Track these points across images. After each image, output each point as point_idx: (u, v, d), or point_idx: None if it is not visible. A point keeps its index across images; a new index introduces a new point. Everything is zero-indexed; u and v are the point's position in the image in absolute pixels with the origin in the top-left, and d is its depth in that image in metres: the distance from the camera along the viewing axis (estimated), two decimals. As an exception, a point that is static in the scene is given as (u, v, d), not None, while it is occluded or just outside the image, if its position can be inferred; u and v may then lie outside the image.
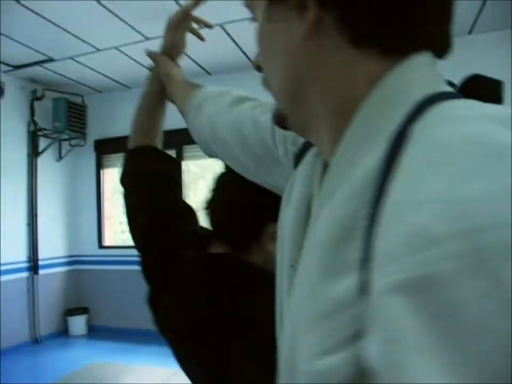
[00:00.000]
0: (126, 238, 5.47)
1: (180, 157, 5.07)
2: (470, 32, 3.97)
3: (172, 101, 0.97)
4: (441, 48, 0.41)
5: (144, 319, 5.08)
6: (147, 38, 3.96)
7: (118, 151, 5.32)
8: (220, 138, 0.77)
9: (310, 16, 0.39)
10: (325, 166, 0.45)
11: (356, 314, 0.31)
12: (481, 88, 0.39)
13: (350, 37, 0.38)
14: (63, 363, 4.08)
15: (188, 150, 5.07)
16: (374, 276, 0.28)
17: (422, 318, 0.25)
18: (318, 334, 0.34)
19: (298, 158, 0.57)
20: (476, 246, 0.23)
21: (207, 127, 0.80)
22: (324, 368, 0.33)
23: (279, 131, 0.63)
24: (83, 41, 3.91)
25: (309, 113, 0.44)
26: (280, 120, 0.49)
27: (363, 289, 0.30)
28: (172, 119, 5.00)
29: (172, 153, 4.99)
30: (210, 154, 0.85)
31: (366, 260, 0.30)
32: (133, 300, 5.02)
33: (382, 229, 0.29)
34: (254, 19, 0.50)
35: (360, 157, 0.37)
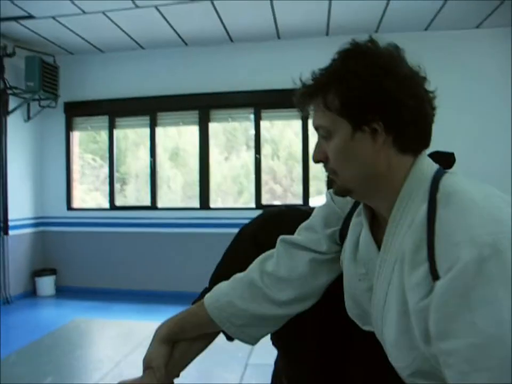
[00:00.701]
0: (93, 200, 5.53)
1: (154, 124, 5.19)
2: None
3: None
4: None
5: (112, 278, 5.29)
6: (137, 6, 4.02)
7: (88, 115, 5.33)
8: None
9: (380, 139, 0.77)
10: (371, 219, 0.86)
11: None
12: (441, 159, 0.82)
13: (399, 149, 0.78)
14: (40, 322, 4.18)
15: (161, 116, 5.20)
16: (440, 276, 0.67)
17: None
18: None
19: (342, 231, 0.95)
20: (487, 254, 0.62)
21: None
22: None
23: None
24: (71, 1, 3.88)
25: (371, 187, 0.81)
26: (342, 194, 0.86)
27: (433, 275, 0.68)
28: (145, 86, 5.21)
29: (146, 119, 5.12)
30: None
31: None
32: (100, 261, 5.17)
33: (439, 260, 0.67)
34: (324, 137, 0.82)
35: (405, 219, 0.76)
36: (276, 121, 5.31)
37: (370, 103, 0.76)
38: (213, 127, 5.21)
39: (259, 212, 1.27)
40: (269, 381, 1.32)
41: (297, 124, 5.14)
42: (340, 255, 0.96)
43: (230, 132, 5.54)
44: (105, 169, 5.37)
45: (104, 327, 3.99)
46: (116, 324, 4.04)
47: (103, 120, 5.30)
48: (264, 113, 5.04)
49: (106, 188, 5.31)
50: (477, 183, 0.73)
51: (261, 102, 4.95)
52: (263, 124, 5.16)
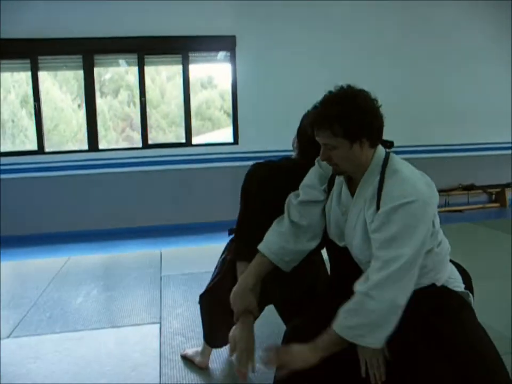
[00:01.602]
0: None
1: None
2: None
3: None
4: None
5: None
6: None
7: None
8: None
9: (364, 146, 1.38)
10: (348, 182, 1.49)
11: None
12: (386, 144, 1.49)
13: (370, 147, 1.40)
14: None
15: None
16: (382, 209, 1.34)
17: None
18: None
19: (331, 180, 1.58)
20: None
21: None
22: None
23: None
24: None
25: (356, 169, 1.42)
26: (339, 174, 1.46)
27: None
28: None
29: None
30: None
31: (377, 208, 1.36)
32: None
33: (382, 203, 1.35)
34: (329, 149, 1.39)
35: (370, 182, 1.40)
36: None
37: (361, 130, 1.36)
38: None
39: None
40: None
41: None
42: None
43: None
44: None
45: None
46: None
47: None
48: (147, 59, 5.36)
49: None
50: (406, 163, 1.42)
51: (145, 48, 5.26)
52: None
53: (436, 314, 1.39)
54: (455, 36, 6.14)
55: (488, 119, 6.37)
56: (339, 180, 1.54)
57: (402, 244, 1.28)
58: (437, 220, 1.43)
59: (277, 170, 1.82)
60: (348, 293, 1.36)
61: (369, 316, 1.27)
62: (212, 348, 2.22)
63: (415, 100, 6.06)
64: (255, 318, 1.60)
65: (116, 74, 5.85)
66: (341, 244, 1.54)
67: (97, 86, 5.47)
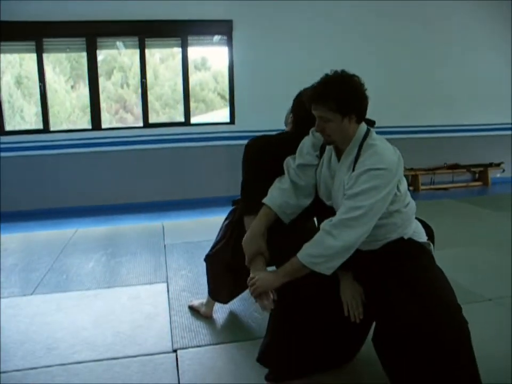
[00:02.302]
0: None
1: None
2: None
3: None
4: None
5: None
6: None
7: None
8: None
9: (352, 121, 1.67)
10: (336, 151, 1.78)
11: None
12: (369, 122, 1.79)
13: (357, 122, 1.70)
14: None
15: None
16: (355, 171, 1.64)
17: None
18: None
19: (322, 148, 1.87)
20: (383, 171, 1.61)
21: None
22: None
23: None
24: None
25: (344, 140, 1.71)
26: (330, 143, 1.75)
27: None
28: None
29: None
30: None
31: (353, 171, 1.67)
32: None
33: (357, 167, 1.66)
34: (324, 121, 1.66)
35: (351, 152, 1.69)
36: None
37: (351, 107, 1.63)
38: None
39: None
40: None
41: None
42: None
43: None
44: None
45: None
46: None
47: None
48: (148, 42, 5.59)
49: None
50: (381, 139, 1.69)
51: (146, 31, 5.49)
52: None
53: (401, 259, 1.71)
54: (443, 21, 6.40)
55: (472, 102, 6.68)
56: (329, 147, 1.82)
57: (364, 199, 1.59)
58: (404, 186, 1.73)
59: (273, 140, 2.10)
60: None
61: (326, 249, 1.60)
62: (216, 302, 2.54)
63: (404, 83, 6.34)
64: (266, 260, 1.87)
65: (109, 55, 6.04)
66: (329, 203, 1.83)
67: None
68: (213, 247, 2.47)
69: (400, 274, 1.67)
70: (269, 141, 2.10)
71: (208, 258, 2.49)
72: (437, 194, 6.35)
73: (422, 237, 1.82)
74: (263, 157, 2.02)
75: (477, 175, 6.99)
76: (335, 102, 1.62)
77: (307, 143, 1.89)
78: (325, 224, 1.63)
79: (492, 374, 1.74)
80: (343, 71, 1.69)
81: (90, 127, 5.68)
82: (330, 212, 1.80)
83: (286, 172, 1.90)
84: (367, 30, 6.08)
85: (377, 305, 1.71)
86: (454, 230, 4.13)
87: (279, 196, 1.85)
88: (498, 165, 6.88)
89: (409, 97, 6.40)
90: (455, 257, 3.36)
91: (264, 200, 1.87)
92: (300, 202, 1.87)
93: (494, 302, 2.61)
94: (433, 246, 1.85)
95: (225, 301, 2.53)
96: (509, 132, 6.94)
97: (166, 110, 6.27)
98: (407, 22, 6.24)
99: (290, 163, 1.90)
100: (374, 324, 1.80)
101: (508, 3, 6.43)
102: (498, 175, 6.95)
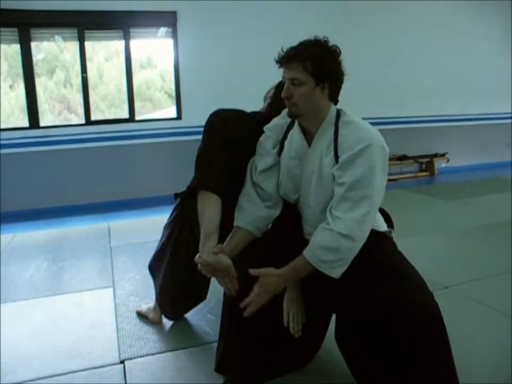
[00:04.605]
0: None
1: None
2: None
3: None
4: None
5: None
6: None
7: None
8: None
9: (325, 92, 1.54)
10: (304, 134, 1.63)
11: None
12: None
13: (330, 98, 1.57)
14: None
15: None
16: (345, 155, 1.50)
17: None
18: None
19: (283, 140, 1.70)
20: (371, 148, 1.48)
21: None
22: None
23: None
24: None
25: (312, 116, 1.57)
26: (296, 117, 1.59)
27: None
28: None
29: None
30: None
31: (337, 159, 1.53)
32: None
33: (340, 151, 1.52)
34: (295, 85, 1.51)
35: (326, 133, 1.56)
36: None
37: (328, 73, 1.50)
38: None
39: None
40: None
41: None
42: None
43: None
44: None
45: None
46: None
47: None
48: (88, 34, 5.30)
49: None
50: (357, 117, 1.55)
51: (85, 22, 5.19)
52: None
53: (364, 251, 1.61)
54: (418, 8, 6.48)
55: (418, 95, 6.81)
56: (294, 135, 1.66)
57: (367, 184, 1.46)
58: None
59: (241, 114, 1.90)
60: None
61: (346, 253, 1.48)
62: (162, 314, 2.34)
63: (351, 75, 6.34)
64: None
65: (50, 54, 5.70)
66: (294, 197, 1.68)
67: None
68: (157, 254, 2.27)
69: (361, 261, 1.58)
70: (237, 113, 1.90)
71: (152, 267, 2.32)
72: (387, 185, 6.32)
73: (383, 225, 1.74)
74: (228, 127, 1.79)
75: (424, 165, 7.14)
76: (311, 62, 1.48)
77: (264, 142, 1.72)
78: (337, 226, 1.47)
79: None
80: (324, 39, 1.57)
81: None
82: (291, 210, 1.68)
83: (249, 180, 1.72)
84: (316, 21, 6.04)
85: (340, 300, 1.61)
86: (407, 220, 4.14)
87: (249, 209, 1.68)
88: (443, 155, 7.07)
89: (357, 89, 6.41)
90: (410, 246, 3.31)
91: (235, 223, 1.69)
92: (272, 213, 1.71)
93: (451, 289, 2.60)
94: (394, 230, 1.78)
95: (171, 317, 2.35)
96: (453, 123, 7.14)
97: (111, 109, 5.99)
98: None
99: (252, 172, 1.73)
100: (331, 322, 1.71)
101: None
102: (443, 165, 7.14)
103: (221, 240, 1.66)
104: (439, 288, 2.58)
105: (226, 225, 1.70)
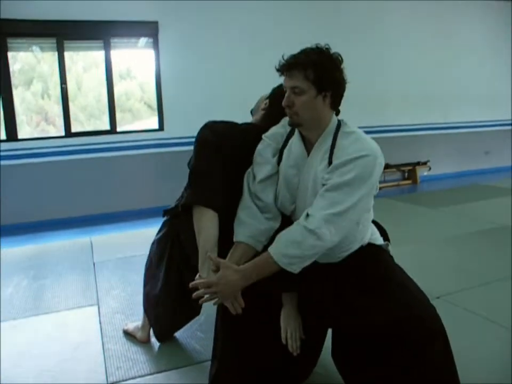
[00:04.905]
0: None
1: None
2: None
3: None
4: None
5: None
6: None
7: None
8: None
9: (326, 101, 1.51)
10: (304, 143, 1.59)
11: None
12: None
13: (331, 107, 1.54)
14: None
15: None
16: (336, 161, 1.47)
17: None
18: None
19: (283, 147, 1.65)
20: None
21: None
22: None
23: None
24: None
25: (313, 125, 1.53)
26: (297, 126, 1.56)
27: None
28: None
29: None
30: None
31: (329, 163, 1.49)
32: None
33: (335, 158, 1.49)
34: (296, 93, 1.48)
35: (325, 143, 1.53)
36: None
37: (329, 82, 1.47)
38: None
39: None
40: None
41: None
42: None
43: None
44: None
45: None
46: None
47: None
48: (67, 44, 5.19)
49: None
50: (355, 128, 1.54)
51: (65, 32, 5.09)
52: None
53: (361, 262, 1.58)
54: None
55: (399, 104, 6.88)
56: (293, 144, 1.61)
57: (350, 192, 1.41)
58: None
59: (233, 124, 1.85)
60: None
61: (308, 250, 1.41)
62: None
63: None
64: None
65: (27, 64, 5.57)
66: (291, 208, 1.62)
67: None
68: (148, 272, 2.20)
69: (358, 275, 1.56)
70: (229, 125, 1.84)
71: (145, 286, 2.24)
72: (371, 194, 6.42)
73: (379, 238, 1.71)
74: (220, 140, 1.72)
75: (406, 174, 7.19)
76: (313, 70, 1.45)
77: (263, 150, 1.66)
78: (306, 221, 1.43)
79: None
80: (326, 46, 1.54)
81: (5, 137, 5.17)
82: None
83: (246, 191, 1.65)
84: (304, 29, 6.05)
85: (338, 316, 1.57)
86: (391, 228, 4.10)
87: (249, 222, 1.60)
88: (425, 163, 7.13)
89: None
90: (396, 255, 3.32)
91: (235, 239, 1.60)
92: (271, 224, 1.62)
93: (443, 300, 2.58)
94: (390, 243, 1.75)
95: (160, 340, 2.26)
96: (433, 132, 7.23)
97: (91, 121, 5.87)
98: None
99: (250, 183, 1.66)
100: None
101: None
102: (425, 173, 7.20)
103: (220, 255, 1.59)
104: (431, 299, 2.55)
105: (224, 239, 1.64)
